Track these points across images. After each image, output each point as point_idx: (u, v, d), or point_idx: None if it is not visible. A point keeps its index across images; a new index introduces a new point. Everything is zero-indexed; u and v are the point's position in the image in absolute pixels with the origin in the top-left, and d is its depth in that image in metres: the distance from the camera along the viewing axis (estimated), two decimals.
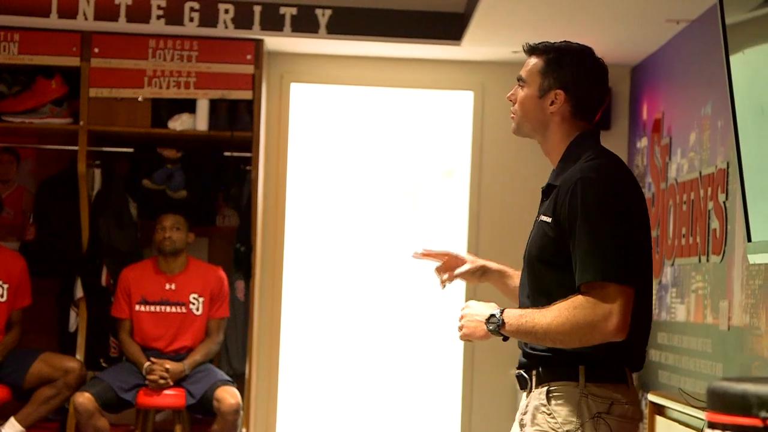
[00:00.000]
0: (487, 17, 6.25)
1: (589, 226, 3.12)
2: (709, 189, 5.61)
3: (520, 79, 3.38)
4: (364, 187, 8.54)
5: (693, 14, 5.93)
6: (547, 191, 3.32)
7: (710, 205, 5.58)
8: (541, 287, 3.26)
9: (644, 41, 6.69)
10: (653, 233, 6.62)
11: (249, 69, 7.03)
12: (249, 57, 7.02)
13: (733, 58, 4.55)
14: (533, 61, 3.36)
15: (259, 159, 7.09)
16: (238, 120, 7.06)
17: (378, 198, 8.54)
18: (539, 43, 3.37)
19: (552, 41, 3.38)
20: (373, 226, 8.47)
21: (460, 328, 3.32)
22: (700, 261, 5.73)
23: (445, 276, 3.67)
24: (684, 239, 6.01)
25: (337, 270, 8.49)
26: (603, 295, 3.09)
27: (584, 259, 3.11)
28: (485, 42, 6.87)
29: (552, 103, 3.32)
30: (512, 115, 3.41)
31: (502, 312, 3.22)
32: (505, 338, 3.25)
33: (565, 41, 3.38)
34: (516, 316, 3.20)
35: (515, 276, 3.59)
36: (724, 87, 4.66)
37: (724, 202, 5.37)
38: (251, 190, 7.06)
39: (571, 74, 3.30)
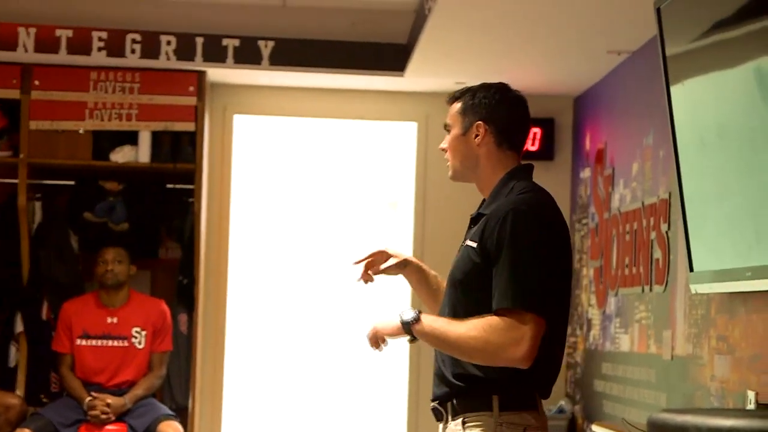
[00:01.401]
0: (429, 48, 6.27)
1: (513, 256, 3.20)
2: (652, 219, 5.63)
3: (446, 126, 3.50)
4: (308, 219, 8.51)
5: (634, 45, 5.97)
6: (475, 219, 3.42)
7: (653, 235, 5.60)
8: (461, 309, 3.32)
9: (586, 72, 6.73)
10: (597, 263, 6.64)
11: (191, 101, 6.99)
12: (191, 89, 6.98)
13: (673, 89, 4.59)
14: (454, 106, 3.48)
15: (202, 191, 7.04)
16: (180, 152, 7.01)
17: (322, 230, 8.51)
18: (456, 91, 3.50)
19: (470, 85, 3.49)
20: (317, 258, 8.44)
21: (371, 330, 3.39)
22: (643, 291, 5.75)
23: (371, 271, 3.73)
24: (627, 269, 6.03)
25: (281, 303, 8.44)
26: (518, 321, 3.17)
27: (505, 285, 3.20)
28: (428, 73, 6.88)
29: (476, 135, 3.42)
30: (448, 163, 3.50)
31: (419, 312, 3.31)
32: (413, 339, 3.31)
33: (482, 83, 3.49)
34: (431, 319, 3.31)
35: (431, 276, 3.71)
36: (665, 117, 4.69)
37: (666, 232, 5.40)
38: (194, 223, 7.01)
39: (488, 105, 3.41)
